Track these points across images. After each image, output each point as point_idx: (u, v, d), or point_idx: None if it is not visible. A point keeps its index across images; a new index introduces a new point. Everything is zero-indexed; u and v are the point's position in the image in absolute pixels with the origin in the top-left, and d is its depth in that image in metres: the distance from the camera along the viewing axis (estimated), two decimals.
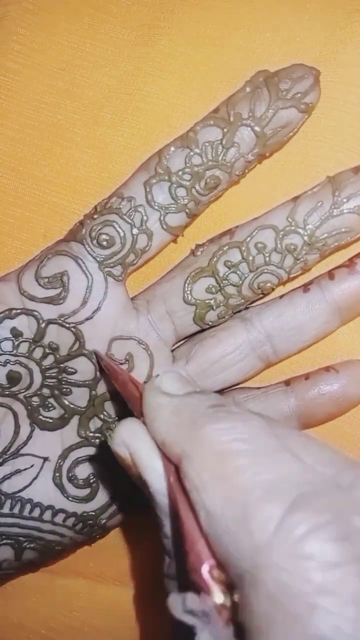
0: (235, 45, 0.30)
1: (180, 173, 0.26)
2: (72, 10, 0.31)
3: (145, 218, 0.26)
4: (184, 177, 0.26)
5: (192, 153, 0.26)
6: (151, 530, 0.31)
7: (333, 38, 0.29)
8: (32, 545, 0.27)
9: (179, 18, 0.30)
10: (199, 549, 0.18)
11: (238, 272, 0.27)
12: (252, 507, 0.17)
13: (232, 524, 0.17)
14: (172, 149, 0.26)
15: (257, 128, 0.25)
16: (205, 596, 0.17)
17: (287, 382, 0.29)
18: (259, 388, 0.30)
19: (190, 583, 0.18)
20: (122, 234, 0.26)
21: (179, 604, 0.18)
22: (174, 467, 0.20)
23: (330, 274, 0.28)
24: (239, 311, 0.28)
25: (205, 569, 0.18)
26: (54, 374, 0.27)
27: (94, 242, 0.26)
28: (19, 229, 0.31)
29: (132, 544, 0.32)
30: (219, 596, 0.17)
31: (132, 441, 0.21)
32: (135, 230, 0.26)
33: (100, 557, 0.32)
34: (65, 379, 0.28)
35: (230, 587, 0.17)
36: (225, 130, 0.26)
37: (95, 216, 0.27)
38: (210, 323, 0.28)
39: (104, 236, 0.26)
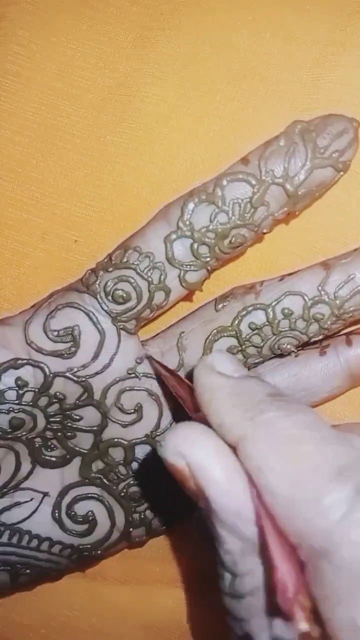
0: (235, 47, 0.29)
1: (203, 230, 0.24)
2: (71, 12, 0.30)
3: (163, 276, 0.25)
4: (207, 235, 0.24)
5: (217, 210, 0.24)
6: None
7: (333, 39, 0.29)
8: (27, 571, 0.28)
9: (178, 19, 0.30)
10: (284, 573, 0.18)
11: (261, 334, 0.26)
12: (323, 488, 0.18)
13: (302, 505, 0.18)
14: (196, 201, 0.25)
15: (289, 188, 0.24)
16: (291, 623, 0.17)
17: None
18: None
19: (274, 607, 0.18)
20: (138, 291, 0.25)
21: (265, 629, 0.18)
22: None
23: (348, 340, 0.27)
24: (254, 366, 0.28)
25: (291, 593, 0.17)
26: (58, 419, 0.27)
27: (109, 297, 0.25)
28: (17, 231, 0.30)
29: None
30: (304, 625, 0.17)
31: (190, 450, 0.19)
32: (152, 287, 0.25)
33: (99, 562, 0.32)
34: (69, 424, 0.27)
35: (315, 614, 0.18)
36: (255, 189, 0.24)
37: (110, 269, 0.25)
38: None
39: (119, 292, 0.25)
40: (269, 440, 0.19)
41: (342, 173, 0.24)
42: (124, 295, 0.25)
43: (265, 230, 0.25)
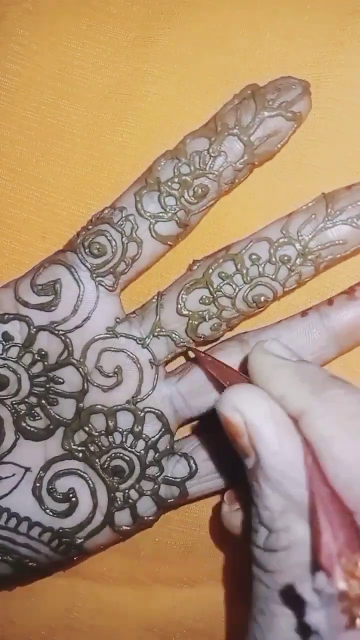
0: (235, 46, 0.30)
1: (169, 183, 0.26)
2: (71, 11, 0.30)
3: (135, 227, 0.27)
4: (172, 187, 0.26)
5: (180, 163, 0.26)
6: (151, 530, 0.32)
7: (333, 39, 0.29)
8: (5, 557, 0.27)
9: (178, 19, 0.30)
10: (329, 536, 0.19)
11: (232, 284, 0.27)
12: None
13: None
14: (163, 161, 0.27)
15: (243, 137, 0.26)
16: (331, 580, 0.19)
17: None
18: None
19: (317, 563, 0.19)
20: (113, 243, 0.27)
21: (306, 581, 0.19)
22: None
23: (330, 301, 0.28)
24: (234, 327, 0.28)
25: (334, 554, 0.19)
26: (42, 382, 0.27)
27: (87, 250, 0.27)
28: (17, 231, 0.31)
29: (132, 543, 0.32)
30: (342, 583, 0.19)
31: (249, 408, 0.21)
32: (125, 239, 0.27)
33: (100, 557, 0.32)
34: (52, 388, 0.28)
35: (353, 576, 0.19)
36: (211, 140, 0.26)
37: (90, 227, 0.27)
38: (203, 336, 0.28)
39: (95, 245, 0.27)
40: (334, 414, 0.20)
41: (295, 124, 0.26)
42: (100, 247, 0.27)
43: (226, 181, 0.27)
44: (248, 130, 0.26)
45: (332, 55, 0.29)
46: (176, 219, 0.27)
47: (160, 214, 0.27)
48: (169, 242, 0.27)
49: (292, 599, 0.20)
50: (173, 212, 0.26)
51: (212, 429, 0.27)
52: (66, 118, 0.30)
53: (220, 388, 0.26)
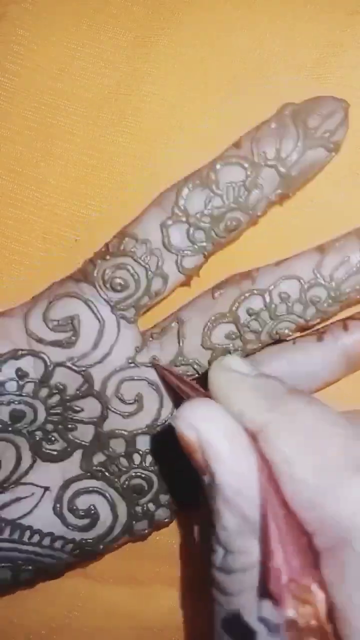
0: (235, 46, 0.29)
1: (198, 215, 0.25)
2: (71, 11, 0.30)
3: (161, 262, 0.25)
4: (202, 220, 0.25)
5: (212, 194, 0.25)
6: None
7: (333, 40, 0.29)
8: (29, 567, 0.28)
9: (179, 19, 0.30)
10: (280, 559, 0.18)
11: (259, 320, 0.26)
12: (348, 480, 0.18)
13: (327, 494, 0.18)
14: (190, 186, 0.25)
15: (282, 169, 0.24)
16: (279, 608, 0.18)
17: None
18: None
19: (265, 589, 0.18)
20: (136, 278, 0.25)
21: (253, 607, 0.19)
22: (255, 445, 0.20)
23: (345, 325, 0.28)
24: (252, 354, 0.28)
25: (284, 580, 0.18)
26: (59, 411, 0.27)
27: (107, 285, 0.25)
28: (18, 231, 0.30)
29: (132, 543, 0.32)
30: (292, 611, 0.18)
31: (203, 424, 0.20)
32: (150, 274, 0.25)
33: (100, 557, 0.32)
34: (70, 416, 0.27)
35: (305, 602, 0.18)
36: (248, 172, 0.24)
37: (108, 257, 0.26)
38: None
39: (117, 280, 0.25)
40: (293, 431, 0.19)
41: (333, 154, 0.25)
42: (122, 282, 0.25)
43: (259, 213, 0.25)
44: (288, 163, 0.24)
45: (332, 56, 0.29)
46: (204, 252, 0.26)
47: (188, 248, 0.25)
48: (193, 274, 0.27)
49: (241, 627, 0.19)
50: (201, 245, 0.25)
51: None
52: (66, 118, 0.30)
53: (179, 403, 0.26)
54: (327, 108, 0.25)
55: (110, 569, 0.33)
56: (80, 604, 0.33)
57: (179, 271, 0.26)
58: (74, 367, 0.26)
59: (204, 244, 0.25)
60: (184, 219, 0.25)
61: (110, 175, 0.30)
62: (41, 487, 0.28)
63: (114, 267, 0.25)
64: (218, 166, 0.25)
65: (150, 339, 0.27)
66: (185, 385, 0.25)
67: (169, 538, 0.32)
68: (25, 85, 0.30)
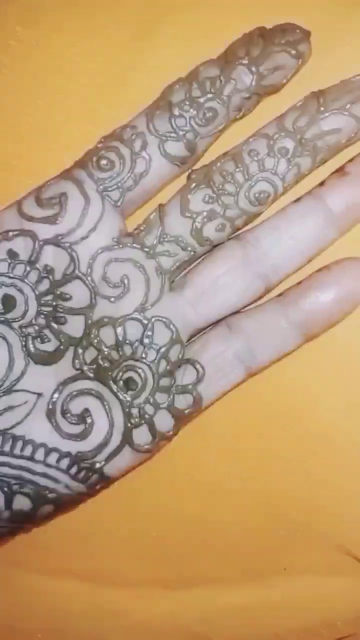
0: (234, 39, 0.30)
1: (180, 104, 0.27)
2: (68, 6, 0.31)
3: (145, 144, 0.27)
4: (183, 108, 0.27)
5: (192, 87, 0.27)
6: (149, 529, 0.31)
7: (331, 34, 0.29)
8: (23, 489, 0.27)
9: (177, 13, 0.30)
10: None
11: (233, 181, 0.28)
12: None
13: None
14: (175, 86, 0.28)
15: (252, 67, 0.27)
16: None
17: (281, 294, 0.29)
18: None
19: None
20: (121, 158, 0.27)
21: None
22: None
23: (322, 182, 0.28)
24: (238, 229, 0.29)
25: None
26: (49, 301, 0.27)
27: (95, 164, 0.27)
28: None
29: (131, 544, 0.32)
30: None
31: None
32: (134, 155, 0.27)
33: (98, 557, 0.32)
34: (60, 305, 0.27)
35: None
36: (223, 66, 0.27)
37: (99, 145, 0.28)
38: (208, 239, 0.28)
39: (104, 160, 0.27)
40: None
41: (299, 61, 0.28)
42: (108, 162, 0.27)
43: (234, 108, 0.28)
44: (256, 61, 0.27)
45: (331, 50, 0.29)
46: (185, 140, 0.27)
47: (170, 133, 0.27)
48: (176, 162, 0.28)
49: None
50: (182, 132, 0.27)
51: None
52: (64, 114, 0.30)
53: None
54: (289, 27, 0.28)
55: (109, 569, 0.33)
56: (77, 605, 0.33)
57: (161, 154, 0.27)
58: (61, 244, 0.27)
59: (185, 130, 0.27)
60: (167, 108, 0.27)
61: None
62: (34, 393, 0.27)
63: (104, 150, 0.28)
64: (200, 68, 0.28)
65: (137, 230, 0.28)
66: None
67: (167, 539, 0.32)
68: (22, 81, 0.30)
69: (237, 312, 0.29)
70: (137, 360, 0.27)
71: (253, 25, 0.28)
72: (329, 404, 0.31)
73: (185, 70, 0.29)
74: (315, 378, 0.31)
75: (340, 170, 0.28)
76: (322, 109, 0.27)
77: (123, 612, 0.32)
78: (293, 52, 0.27)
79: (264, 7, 0.30)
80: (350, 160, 0.28)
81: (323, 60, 0.29)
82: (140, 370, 0.27)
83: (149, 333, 0.27)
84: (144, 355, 0.27)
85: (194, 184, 0.28)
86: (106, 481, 0.28)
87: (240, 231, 0.29)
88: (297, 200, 0.28)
